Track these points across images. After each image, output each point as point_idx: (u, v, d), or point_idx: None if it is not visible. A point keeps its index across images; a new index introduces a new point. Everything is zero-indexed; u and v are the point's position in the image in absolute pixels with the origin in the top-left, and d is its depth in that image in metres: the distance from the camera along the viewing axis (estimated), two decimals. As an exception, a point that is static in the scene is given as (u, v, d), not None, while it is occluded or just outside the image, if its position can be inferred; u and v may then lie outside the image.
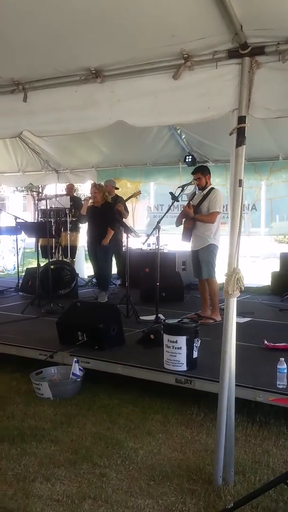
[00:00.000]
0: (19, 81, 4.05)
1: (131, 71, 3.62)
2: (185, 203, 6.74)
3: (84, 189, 20.99)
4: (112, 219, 7.61)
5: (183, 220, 6.53)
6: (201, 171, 6.51)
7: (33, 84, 4.05)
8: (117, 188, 9.37)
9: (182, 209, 6.74)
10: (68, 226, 9.27)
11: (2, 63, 3.88)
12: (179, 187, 6.60)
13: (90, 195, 7.91)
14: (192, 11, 2.98)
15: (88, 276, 9.44)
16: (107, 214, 7.56)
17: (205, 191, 6.44)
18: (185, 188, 6.63)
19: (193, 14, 3.00)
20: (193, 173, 6.59)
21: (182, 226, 6.57)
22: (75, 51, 3.60)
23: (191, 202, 6.52)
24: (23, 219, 9.18)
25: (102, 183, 8.54)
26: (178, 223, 6.63)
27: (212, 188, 6.46)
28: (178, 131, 8.78)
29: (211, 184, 6.55)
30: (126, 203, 9.15)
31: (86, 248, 8.69)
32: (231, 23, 2.98)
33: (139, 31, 3.24)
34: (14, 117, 4.26)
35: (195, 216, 6.33)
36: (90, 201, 7.72)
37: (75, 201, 9.77)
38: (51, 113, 4.08)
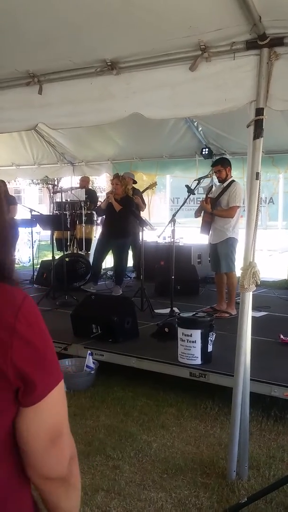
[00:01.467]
0: (35, 73, 4.04)
1: (147, 63, 3.59)
2: (202, 196, 6.69)
3: (99, 182, 20.99)
4: (128, 212, 7.58)
5: (202, 213, 6.50)
6: (221, 164, 6.42)
7: (49, 77, 4.03)
8: (135, 182, 9.35)
9: (198, 202, 6.69)
10: (83, 218, 9.27)
11: (18, 55, 3.87)
12: (195, 180, 6.55)
13: (111, 187, 7.77)
14: (210, 2, 2.94)
15: (103, 269, 9.44)
16: (125, 208, 7.44)
17: (225, 184, 6.36)
18: (201, 181, 6.58)
19: (211, 5, 2.96)
20: (213, 165, 6.54)
21: (200, 219, 6.54)
22: (91, 43, 3.58)
23: (209, 194, 6.47)
24: (38, 212, 9.21)
25: (121, 174, 8.41)
26: (197, 215, 6.60)
27: (232, 181, 6.35)
28: (195, 124, 8.71)
29: (231, 176, 6.44)
30: (142, 195, 9.14)
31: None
32: (249, 13, 2.93)
33: (156, 22, 3.21)
34: (29, 109, 4.25)
35: (213, 212, 6.28)
36: (111, 194, 7.55)
37: (90, 194, 9.77)
38: (66, 105, 4.07)
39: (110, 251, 7.99)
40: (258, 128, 3.13)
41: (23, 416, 0.97)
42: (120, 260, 7.82)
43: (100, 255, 7.90)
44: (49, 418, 1.00)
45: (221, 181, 6.41)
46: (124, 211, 7.42)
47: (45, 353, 0.99)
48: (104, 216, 8.02)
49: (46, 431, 0.99)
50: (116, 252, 7.77)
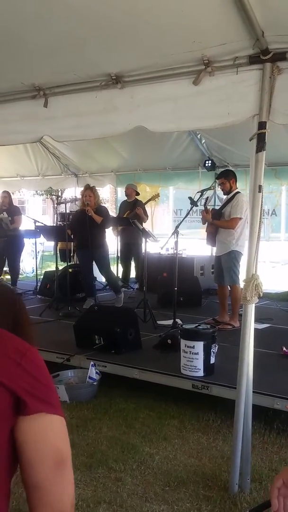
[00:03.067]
0: (40, 86, 4.09)
1: (151, 77, 3.64)
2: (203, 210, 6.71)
3: (103, 193, 21.07)
4: (108, 222, 7.53)
5: (206, 224, 6.54)
6: (224, 176, 6.46)
7: (54, 90, 4.08)
8: (138, 193, 9.39)
9: (201, 214, 6.72)
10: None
11: (24, 69, 3.93)
12: (198, 192, 6.59)
13: (84, 199, 7.42)
14: (213, 17, 2.98)
15: (104, 282, 9.46)
16: (104, 219, 7.36)
17: (230, 196, 6.39)
18: (204, 193, 6.62)
19: (214, 20, 3.01)
20: (217, 178, 6.58)
21: (200, 231, 6.57)
22: (95, 57, 3.63)
23: (207, 205, 6.50)
24: (42, 223, 9.25)
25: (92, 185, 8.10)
26: (203, 222, 6.65)
27: (237, 193, 6.37)
28: (198, 136, 8.77)
29: (236, 188, 6.45)
30: (145, 206, 9.17)
31: (75, 253, 8.64)
32: (252, 29, 2.98)
33: (160, 37, 3.25)
34: (34, 122, 4.30)
35: (213, 221, 6.32)
36: (90, 208, 7.26)
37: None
38: (71, 118, 4.12)
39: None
40: (260, 142, 3.16)
41: (24, 423, 1.08)
42: (107, 270, 7.78)
43: (87, 269, 7.75)
44: (52, 438, 1.10)
45: (226, 193, 6.45)
46: (102, 222, 7.36)
47: (47, 385, 1.14)
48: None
49: (50, 450, 1.09)
50: (101, 264, 7.66)
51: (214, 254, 6.64)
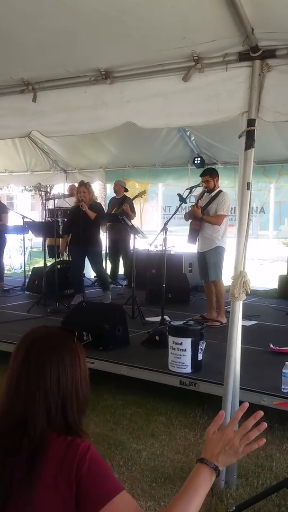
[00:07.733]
0: (29, 81, 4.07)
1: (141, 72, 3.63)
2: (193, 204, 6.72)
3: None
4: (103, 218, 7.54)
5: (190, 221, 6.54)
6: (209, 174, 6.51)
7: (43, 85, 4.06)
8: (126, 190, 9.37)
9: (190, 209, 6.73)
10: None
11: (12, 63, 3.90)
12: (187, 189, 6.60)
13: (78, 195, 7.40)
14: (203, 14, 2.98)
15: (94, 276, 9.45)
16: (98, 215, 7.38)
17: (213, 194, 6.44)
18: (193, 190, 6.63)
19: (204, 17, 3.00)
20: (201, 175, 6.60)
21: (188, 228, 6.58)
22: (85, 52, 3.61)
23: (199, 202, 6.52)
24: (30, 219, 9.20)
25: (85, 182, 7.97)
26: (186, 218, 6.65)
27: (220, 191, 6.46)
28: (187, 133, 8.77)
29: (219, 186, 6.56)
30: (132, 203, 9.15)
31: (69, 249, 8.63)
32: (242, 26, 2.98)
33: (150, 33, 3.24)
34: (23, 117, 4.27)
35: (203, 217, 6.33)
36: (84, 204, 7.24)
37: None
38: (60, 113, 4.09)
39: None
40: (249, 139, 3.16)
41: None
42: (100, 266, 7.82)
43: (79, 266, 7.74)
44: None
45: (209, 190, 6.49)
46: (96, 218, 7.36)
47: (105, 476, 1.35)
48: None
49: None
50: (94, 260, 7.69)
51: (198, 251, 6.62)
